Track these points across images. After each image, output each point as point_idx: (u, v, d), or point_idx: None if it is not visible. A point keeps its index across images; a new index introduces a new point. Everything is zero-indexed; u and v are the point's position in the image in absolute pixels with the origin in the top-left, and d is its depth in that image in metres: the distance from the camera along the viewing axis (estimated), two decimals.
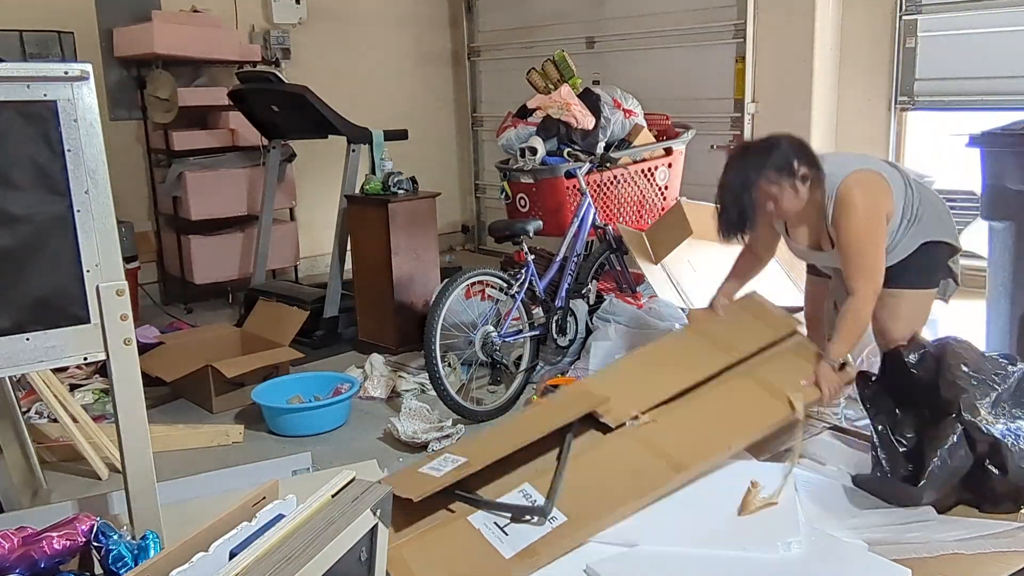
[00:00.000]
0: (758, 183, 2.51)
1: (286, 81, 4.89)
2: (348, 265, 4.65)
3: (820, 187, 2.58)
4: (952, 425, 2.22)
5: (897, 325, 2.71)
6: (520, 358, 3.80)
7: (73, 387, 3.74)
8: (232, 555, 1.56)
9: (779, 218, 2.70)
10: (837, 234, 2.59)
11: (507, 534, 2.15)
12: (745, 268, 3.00)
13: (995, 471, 2.19)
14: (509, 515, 2.20)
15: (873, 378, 2.55)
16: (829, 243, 2.67)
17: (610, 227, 4.27)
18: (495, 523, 2.19)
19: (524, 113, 4.61)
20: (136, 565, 1.80)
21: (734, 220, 2.58)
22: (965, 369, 2.32)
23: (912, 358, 2.45)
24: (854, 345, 2.66)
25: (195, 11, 5.53)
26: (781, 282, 4.29)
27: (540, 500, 2.23)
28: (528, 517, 2.18)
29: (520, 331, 3.71)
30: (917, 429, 2.34)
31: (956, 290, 2.84)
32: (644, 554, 2.14)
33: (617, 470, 2.35)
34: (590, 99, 4.47)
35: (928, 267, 2.72)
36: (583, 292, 4.14)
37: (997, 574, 2.01)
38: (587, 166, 4.24)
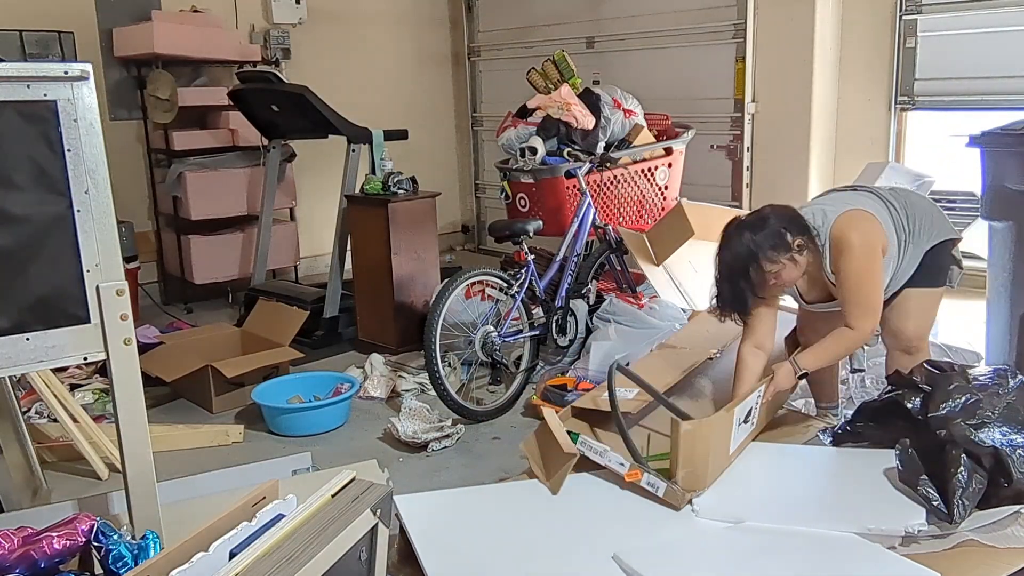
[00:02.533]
0: (757, 265, 2.52)
1: (286, 81, 4.89)
2: (348, 265, 4.65)
3: (815, 246, 2.59)
4: (954, 451, 2.22)
5: (908, 324, 2.71)
6: (520, 358, 3.80)
7: (73, 387, 3.73)
8: (232, 555, 1.56)
9: (784, 288, 2.70)
10: (836, 276, 2.60)
11: (739, 431, 2.56)
12: (742, 376, 2.77)
13: (1001, 480, 2.20)
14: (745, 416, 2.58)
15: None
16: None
17: (610, 227, 4.27)
18: (739, 419, 2.55)
19: (524, 113, 4.61)
20: (136, 565, 1.80)
21: (730, 300, 2.63)
22: (951, 400, 2.34)
23: (915, 403, 2.44)
24: (822, 366, 2.71)
25: (195, 11, 5.53)
26: None
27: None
28: (750, 418, 2.63)
29: (520, 331, 3.71)
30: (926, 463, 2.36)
31: (962, 274, 2.82)
32: (671, 546, 2.18)
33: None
34: (590, 99, 4.47)
35: (934, 267, 2.72)
36: (583, 292, 4.14)
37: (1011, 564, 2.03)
38: (587, 166, 4.24)
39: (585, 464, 2.52)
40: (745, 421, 2.61)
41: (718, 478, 2.47)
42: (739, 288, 2.58)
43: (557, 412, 2.72)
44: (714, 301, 2.71)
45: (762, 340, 2.75)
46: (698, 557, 2.15)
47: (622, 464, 2.44)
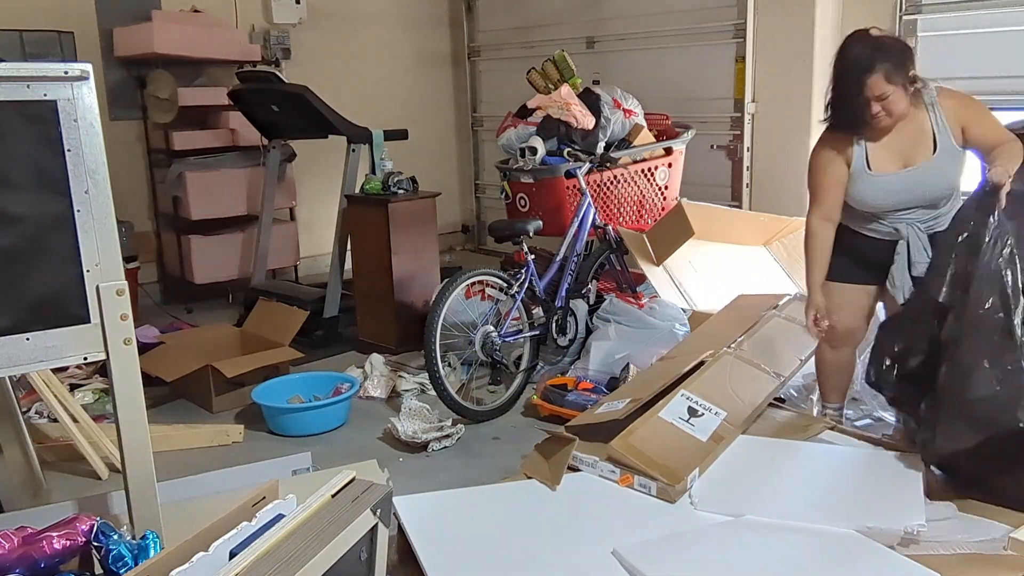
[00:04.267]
0: (874, 75, 2.45)
1: (286, 81, 4.89)
2: (348, 265, 4.65)
3: (921, 93, 2.56)
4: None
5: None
6: (520, 358, 3.80)
7: (73, 387, 3.73)
8: (232, 555, 1.56)
9: (883, 123, 2.58)
10: (969, 117, 2.56)
11: (693, 425, 2.64)
12: (816, 246, 2.75)
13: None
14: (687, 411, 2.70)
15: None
16: (931, 149, 2.58)
17: (610, 227, 4.27)
18: (679, 416, 2.67)
19: (524, 113, 4.61)
20: (136, 565, 1.80)
21: (845, 111, 2.55)
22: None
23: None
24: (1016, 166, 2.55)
25: (195, 11, 5.53)
26: (779, 280, 4.30)
27: (703, 404, 2.73)
28: (701, 411, 2.71)
29: (520, 331, 3.71)
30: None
31: None
32: (669, 541, 2.19)
33: (737, 379, 2.94)
34: (590, 99, 4.47)
35: None
36: (583, 292, 4.14)
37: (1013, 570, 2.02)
38: (587, 166, 4.24)
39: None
40: (696, 415, 2.68)
41: (710, 466, 2.52)
42: (853, 100, 2.50)
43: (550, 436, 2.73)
44: (827, 114, 2.63)
45: (832, 211, 2.72)
46: (696, 551, 2.16)
47: (613, 471, 2.48)
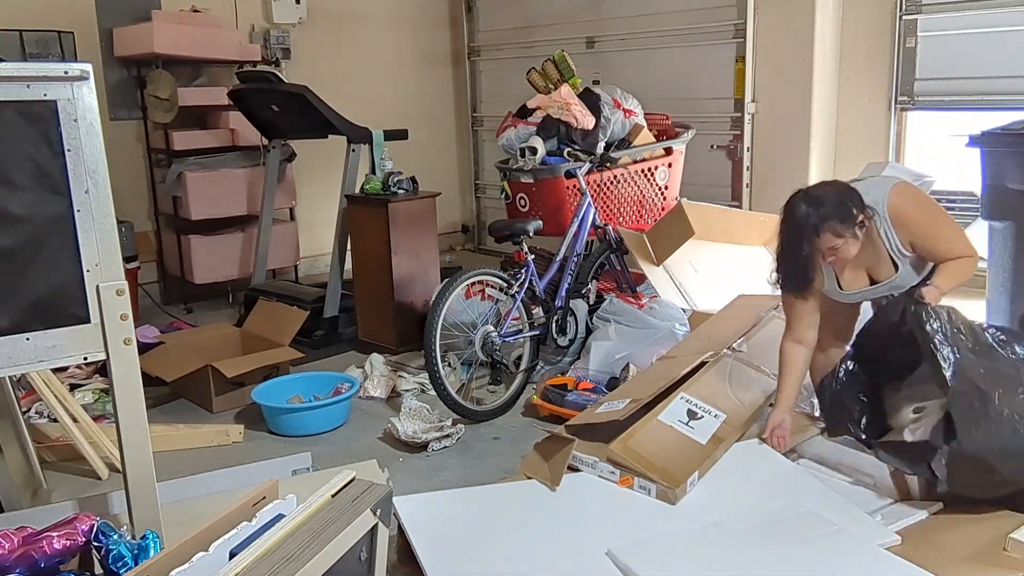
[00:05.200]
0: (822, 236, 2.49)
1: (286, 81, 4.89)
2: (348, 265, 4.65)
3: (871, 221, 2.58)
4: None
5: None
6: (520, 358, 3.80)
7: (73, 387, 3.73)
8: (232, 555, 1.56)
9: (837, 268, 2.68)
10: (915, 236, 2.58)
11: (692, 428, 2.65)
12: (788, 371, 2.78)
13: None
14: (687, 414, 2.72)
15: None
16: (892, 267, 2.65)
17: (610, 227, 4.27)
18: (679, 419, 2.68)
19: (524, 113, 4.61)
20: (136, 565, 1.80)
21: (794, 272, 2.59)
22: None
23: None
24: (955, 286, 2.58)
25: (195, 11, 5.53)
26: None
27: (702, 407, 2.73)
28: (701, 413, 2.72)
29: (520, 331, 3.71)
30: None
31: None
32: (664, 541, 2.19)
33: (737, 381, 2.95)
34: (590, 99, 4.47)
35: None
36: (583, 292, 4.14)
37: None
38: (587, 166, 4.24)
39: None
40: (695, 418, 2.67)
41: (711, 467, 2.52)
42: (803, 261, 2.54)
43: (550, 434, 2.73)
44: (774, 277, 2.68)
45: (803, 335, 2.75)
46: (690, 551, 2.16)
47: (613, 473, 2.49)
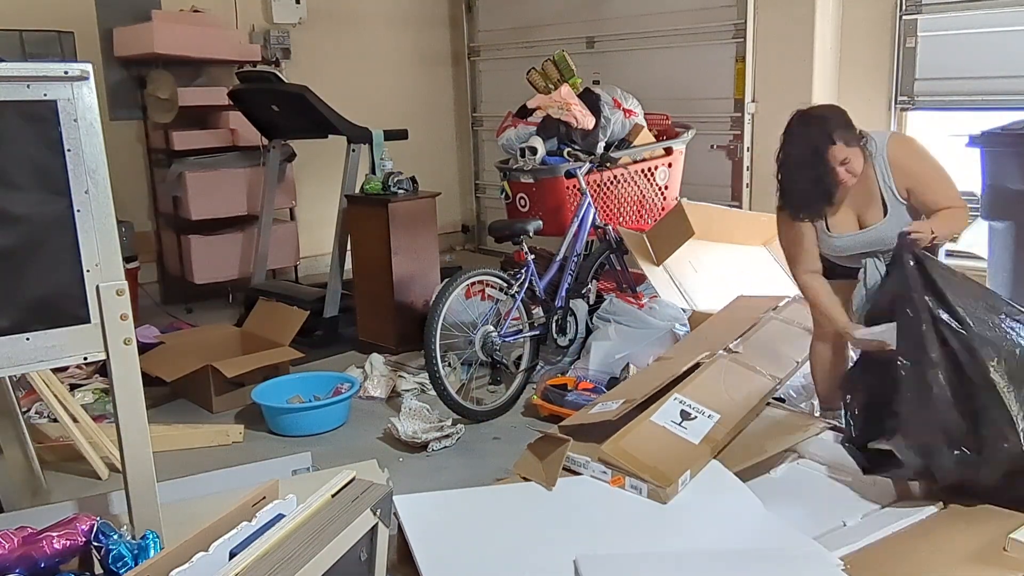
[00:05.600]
0: (836, 144, 2.47)
1: (286, 81, 4.89)
2: (348, 265, 4.65)
3: (869, 154, 2.58)
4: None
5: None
6: (520, 358, 3.80)
7: (73, 387, 3.73)
8: (232, 555, 1.56)
9: (848, 185, 2.60)
10: (913, 178, 2.57)
11: (685, 428, 2.65)
12: (823, 288, 2.75)
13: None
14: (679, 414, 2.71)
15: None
16: (882, 211, 2.62)
17: (610, 227, 4.27)
18: (672, 420, 2.67)
19: (524, 113, 4.61)
20: (136, 565, 1.80)
21: (814, 193, 2.54)
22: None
23: None
24: (950, 232, 2.62)
25: (195, 11, 5.53)
26: (779, 280, 4.30)
27: (696, 407, 2.72)
28: (694, 414, 2.70)
29: (520, 331, 3.71)
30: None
31: None
32: (633, 562, 2.17)
33: (732, 382, 2.93)
34: (590, 99, 4.47)
35: None
36: (583, 292, 4.13)
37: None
38: (587, 166, 4.24)
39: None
40: (688, 419, 2.67)
41: (703, 467, 2.52)
42: (822, 179, 2.51)
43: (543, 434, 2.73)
44: (794, 209, 2.63)
45: (813, 265, 2.73)
46: (655, 569, 2.14)
47: (605, 473, 2.49)
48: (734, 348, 3.16)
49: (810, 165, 2.51)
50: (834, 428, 2.84)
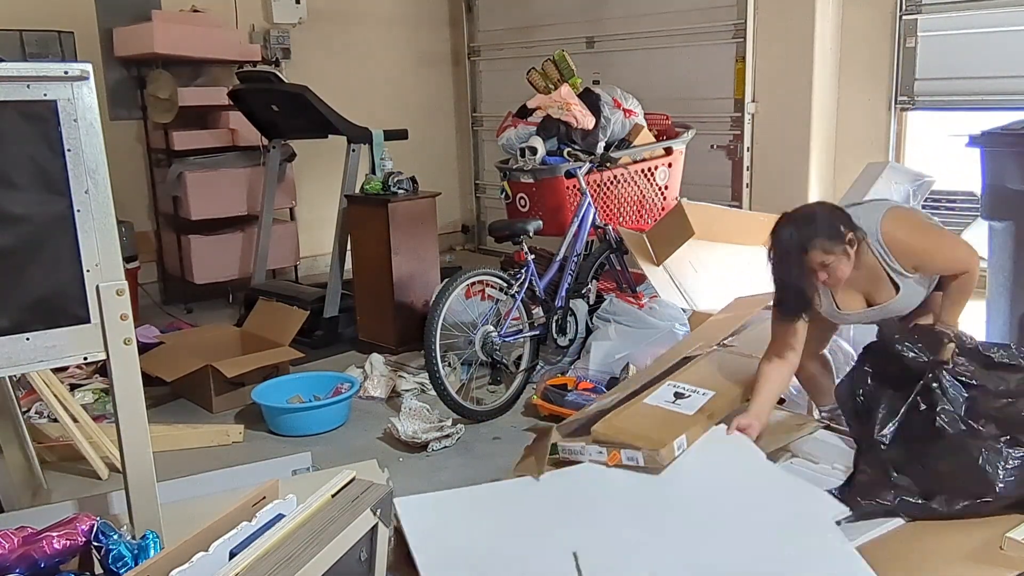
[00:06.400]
0: (810, 253, 2.46)
1: (286, 81, 4.89)
2: (348, 265, 4.65)
3: (864, 244, 2.56)
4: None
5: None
6: (520, 358, 3.80)
7: (73, 387, 3.73)
8: (232, 555, 1.56)
9: (832, 287, 2.63)
10: (914, 257, 2.56)
11: (679, 405, 2.63)
12: (774, 382, 2.70)
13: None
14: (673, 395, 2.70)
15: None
16: (893, 290, 2.62)
17: (610, 227, 4.27)
18: (665, 400, 2.67)
19: (524, 113, 4.61)
20: (136, 565, 1.80)
21: (790, 297, 2.55)
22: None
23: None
24: (960, 315, 2.61)
25: (195, 11, 5.53)
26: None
27: (689, 388, 2.71)
28: (688, 393, 2.69)
29: (520, 331, 3.71)
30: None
31: None
32: (628, 545, 2.18)
33: (726, 368, 2.91)
34: (590, 99, 4.47)
35: None
36: (583, 292, 4.14)
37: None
38: (587, 166, 4.24)
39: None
40: (683, 398, 2.67)
41: (701, 436, 2.51)
42: (797, 285, 2.50)
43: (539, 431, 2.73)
44: (776, 306, 2.64)
45: (786, 354, 2.67)
46: (652, 558, 2.14)
47: (601, 452, 2.47)
48: (728, 343, 3.16)
49: (787, 270, 2.52)
50: (829, 428, 2.83)
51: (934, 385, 2.32)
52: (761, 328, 3.30)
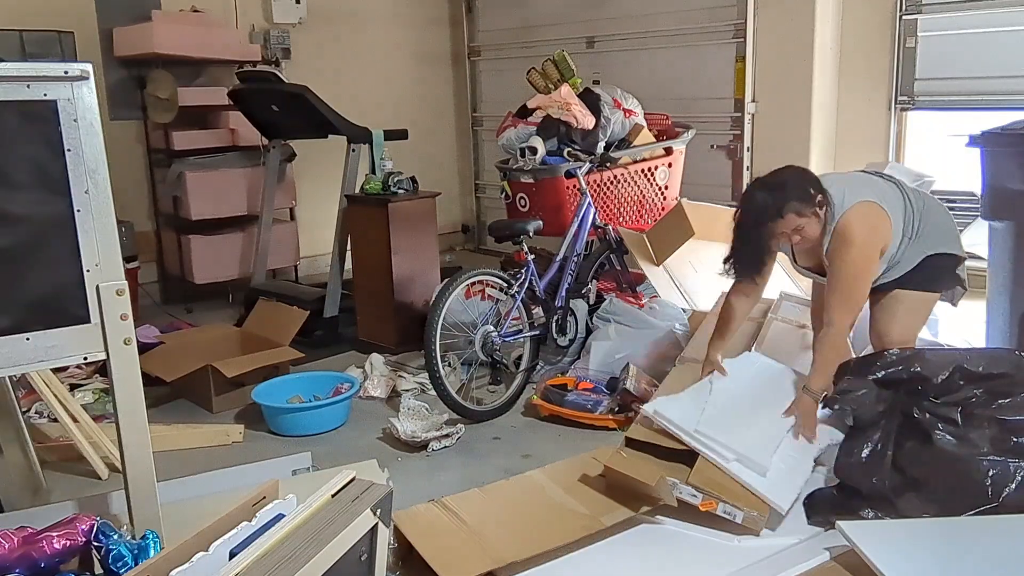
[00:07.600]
0: (785, 217, 2.51)
1: (286, 81, 4.89)
2: (348, 265, 4.65)
3: (829, 211, 2.59)
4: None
5: (894, 327, 2.72)
6: (520, 358, 3.79)
7: (73, 387, 3.73)
8: (232, 555, 1.56)
9: (801, 247, 2.69)
10: (830, 265, 2.62)
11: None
12: (730, 317, 2.84)
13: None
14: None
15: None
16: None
17: (610, 227, 4.27)
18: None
19: (524, 113, 4.61)
20: (136, 565, 1.80)
21: (749, 259, 2.61)
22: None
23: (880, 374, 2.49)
24: (832, 375, 2.61)
25: (195, 11, 5.53)
26: (779, 280, 4.30)
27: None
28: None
29: (520, 331, 3.71)
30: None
31: (964, 294, 2.86)
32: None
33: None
34: (590, 99, 4.47)
35: (929, 275, 2.73)
36: (583, 292, 4.14)
37: None
38: (587, 166, 4.24)
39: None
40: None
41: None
42: (760, 247, 2.56)
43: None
44: (728, 266, 2.69)
45: (751, 288, 2.78)
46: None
47: (695, 495, 2.40)
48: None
49: (758, 235, 2.56)
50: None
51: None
52: (777, 336, 3.29)
